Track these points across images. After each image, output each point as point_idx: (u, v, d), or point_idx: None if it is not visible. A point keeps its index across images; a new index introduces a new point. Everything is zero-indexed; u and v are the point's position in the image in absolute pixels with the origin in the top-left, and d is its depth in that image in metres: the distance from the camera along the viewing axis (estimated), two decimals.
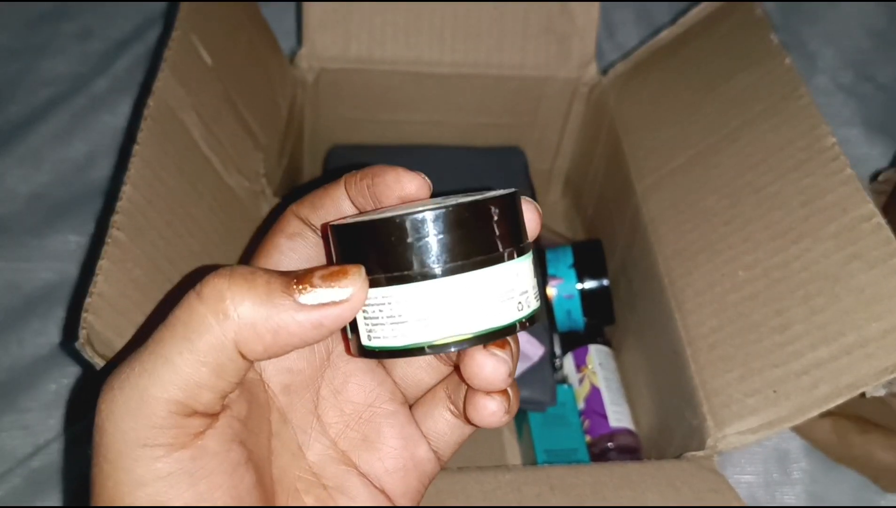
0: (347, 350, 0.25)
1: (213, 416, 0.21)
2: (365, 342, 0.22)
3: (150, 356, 0.21)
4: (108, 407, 0.21)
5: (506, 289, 0.21)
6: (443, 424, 0.26)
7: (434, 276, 0.20)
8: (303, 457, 0.24)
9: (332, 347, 0.25)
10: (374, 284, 0.20)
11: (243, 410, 0.23)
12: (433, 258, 0.20)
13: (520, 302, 0.21)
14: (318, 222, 0.25)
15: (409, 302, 0.20)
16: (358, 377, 0.25)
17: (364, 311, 0.21)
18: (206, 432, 0.21)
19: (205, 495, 0.21)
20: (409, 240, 0.20)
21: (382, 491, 0.25)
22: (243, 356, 0.20)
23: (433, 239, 0.20)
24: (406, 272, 0.20)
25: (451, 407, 0.26)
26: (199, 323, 0.20)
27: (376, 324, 0.21)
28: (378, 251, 0.20)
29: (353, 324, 0.22)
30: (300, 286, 0.20)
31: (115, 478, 0.21)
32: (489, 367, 0.22)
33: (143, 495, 0.20)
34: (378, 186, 0.23)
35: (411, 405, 0.26)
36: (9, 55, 0.60)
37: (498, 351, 0.22)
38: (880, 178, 0.52)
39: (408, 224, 0.20)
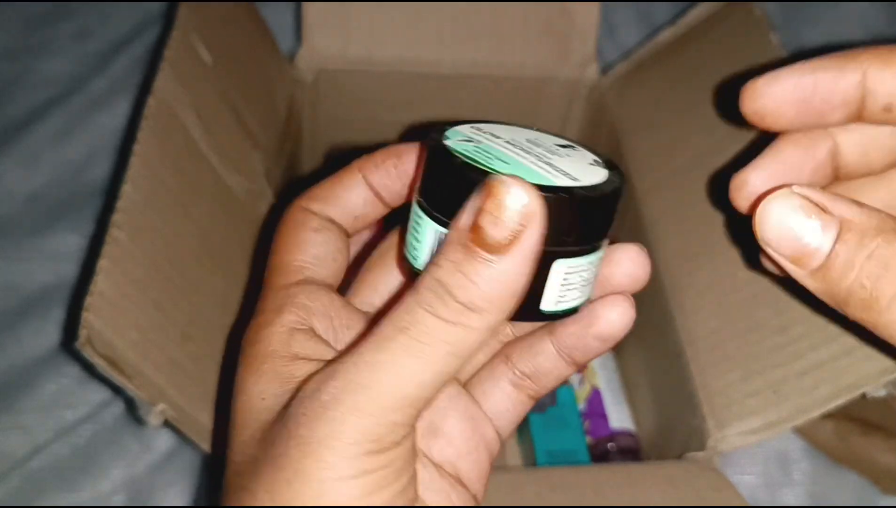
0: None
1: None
2: (549, 307, 0.22)
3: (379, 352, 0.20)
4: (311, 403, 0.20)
5: None
6: (503, 399, 0.25)
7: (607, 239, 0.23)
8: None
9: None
10: (585, 252, 0.22)
11: None
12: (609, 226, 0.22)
13: None
14: (334, 215, 0.25)
15: (596, 265, 0.23)
16: None
17: (565, 278, 0.22)
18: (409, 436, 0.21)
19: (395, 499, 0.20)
20: (610, 210, 0.22)
21: (456, 477, 0.24)
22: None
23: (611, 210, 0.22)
24: (602, 242, 0.22)
25: (514, 376, 0.25)
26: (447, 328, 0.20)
27: (570, 288, 0.22)
28: (594, 220, 0.22)
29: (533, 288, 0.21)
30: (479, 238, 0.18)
31: (308, 475, 0.19)
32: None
33: (345, 490, 0.19)
34: (406, 163, 0.23)
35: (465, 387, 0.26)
36: (7, 55, 0.60)
37: None
38: None
39: (610, 197, 0.21)
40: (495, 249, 0.18)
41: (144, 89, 0.40)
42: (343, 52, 0.49)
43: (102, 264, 0.28)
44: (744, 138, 0.40)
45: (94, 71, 0.59)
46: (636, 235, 0.44)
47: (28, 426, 0.43)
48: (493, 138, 0.23)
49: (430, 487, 0.23)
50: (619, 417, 0.45)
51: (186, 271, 0.33)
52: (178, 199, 0.33)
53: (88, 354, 0.27)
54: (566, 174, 0.21)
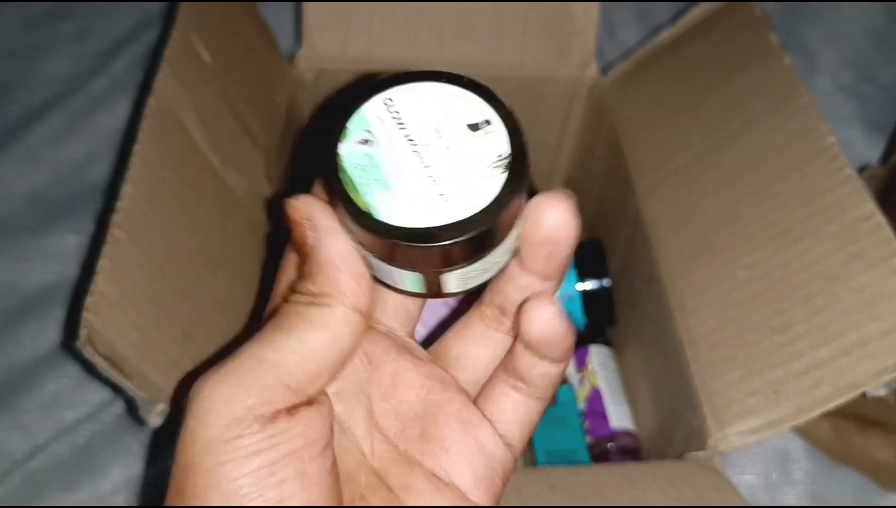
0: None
1: (308, 402, 0.21)
2: (453, 290, 0.23)
3: (268, 333, 0.22)
4: (217, 370, 0.21)
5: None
6: (505, 402, 0.25)
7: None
8: (366, 463, 0.24)
9: (371, 351, 0.25)
10: (472, 261, 0.22)
11: (330, 412, 0.22)
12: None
13: None
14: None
15: (501, 253, 0.22)
16: (404, 376, 0.25)
17: (462, 277, 0.22)
18: (299, 411, 0.21)
19: (285, 493, 0.20)
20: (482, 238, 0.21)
21: (451, 484, 0.24)
22: (354, 310, 0.21)
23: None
24: (492, 249, 0.22)
25: (511, 379, 0.24)
26: (303, 308, 0.22)
27: (469, 279, 0.22)
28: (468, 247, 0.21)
29: (434, 285, 0.22)
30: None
31: (189, 432, 0.20)
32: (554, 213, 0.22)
33: (215, 454, 0.20)
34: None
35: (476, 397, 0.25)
36: (6, 55, 0.60)
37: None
38: (865, 173, 0.52)
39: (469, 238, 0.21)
40: (307, 247, 0.22)
41: (144, 89, 0.40)
42: (343, 52, 0.49)
43: (102, 264, 0.28)
44: (743, 138, 0.40)
45: (94, 71, 0.59)
46: (636, 234, 0.44)
47: (28, 426, 0.43)
48: (396, 129, 0.22)
49: (419, 493, 0.23)
50: (619, 417, 0.45)
51: (186, 271, 0.33)
52: (178, 199, 0.33)
53: (88, 354, 0.27)
54: (443, 196, 0.21)
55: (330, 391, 0.23)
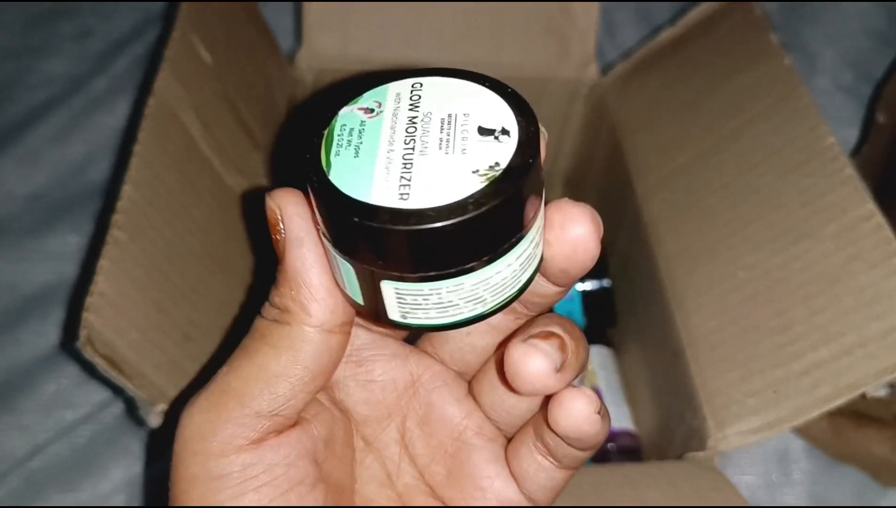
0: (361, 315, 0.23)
1: (287, 424, 0.21)
2: (396, 318, 0.20)
3: (234, 358, 0.21)
4: (191, 405, 0.21)
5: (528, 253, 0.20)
6: (531, 464, 0.23)
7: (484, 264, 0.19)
8: (391, 486, 0.24)
9: (419, 375, 0.24)
10: (421, 279, 0.19)
11: (323, 429, 0.22)
12: (477, 251, 0.19)
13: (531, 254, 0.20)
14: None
15: (459, 291, 0.19)
16: (444, 409, 0.24)
17: (401, 297, 0.19)
18: (269, 440, 0.21)
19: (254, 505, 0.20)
20: (438, 245, 0.18)
21: None
22: (317, 330, 0.20)
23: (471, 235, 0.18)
24: (459, 268, 0.19)
25: (538, 444, 0.23)
26: (266, 325, 0.21)
27: (416, 308, 0.20)
28: (416, 252, 0.18)
29: (371, 295, 0.20)
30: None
31: (175, 474, 0.21)
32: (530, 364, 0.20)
33: (195, 493, 0.20)
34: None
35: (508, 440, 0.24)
36: (6, 55, 0.60)
37: (540, 342, 0.20)
38: None
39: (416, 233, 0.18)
40: (280, 251, 0.21)
41: (144, 89, 0.40)
42: (343, 52, 0.49)
43: (102, 264, 0.28)
44: (743, 138, 0.40)
45: (94, 71, 0.59)
46: (636, 235, 0.44)
47: (28, 426, 0.43)
48: (406, 109, 0.21)
49: None
50: (619, 417, 0.45)
51: (186, 271, 0.33)
52: (178, 199, 0.33)
53: (88, 354, 0.27)
54: (405, 180, 0.19)
55: (362, 410, 0.24)
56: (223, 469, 0.20)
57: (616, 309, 0.48)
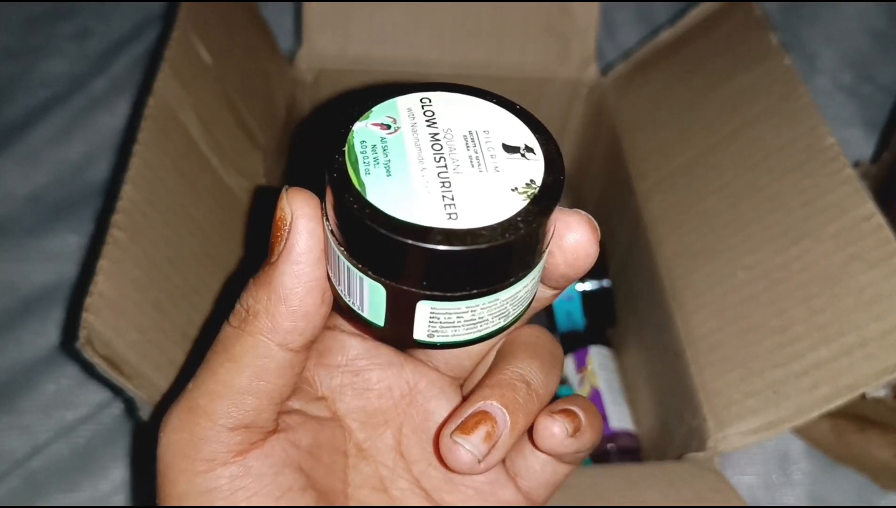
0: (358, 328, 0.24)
1: (264, 433, 0.21)
2: (422, 338, 0.20)
3: (199, 373, 0.21)
4: (165, 423, 0.21)
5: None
6: (533, 460, 0.24)
7: (512, 282, 0.19)
8: (385, 492, 0.24)
9: (415, 383, 0.24)
10: (457, 298, 0.19)
11: (306, 438, 0.22)
12: (511, 268, 0.19)
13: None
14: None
15: (491, 307, 0.20)
16: (441, 416, 0.24)
17: (435, 317, 0.19)
18: (252, 451, 0.21)
19: None
20: (480, 264, 0.18)
21: None
22: (282, 348, 0.20)
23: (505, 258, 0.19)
24: (492, 286, 0.19)
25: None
26: (229, 334, 0.21)
27: (446, 327, 0.20)
28: (455, 271, 0.18)
29: (399, 317, 0.20)
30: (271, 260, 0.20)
31: (164, 492, 0.21)
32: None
33: None
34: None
35: None
36: (6, 55, 0.60)
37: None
38: (857, 170, 0.52)
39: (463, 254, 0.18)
40: (272, 256, 0.20)
41: (144, 89, 0.40)
42: (343, 52, 0.49)
43: (102, 264, 0.28)
44: (743, 138, 0.40)
45: (94, 71, 0.59)
46: (636, 235, 0.44)
47: (28, 426, 0.43)
48: (424, 125, 0.20)
49: None
50: (619, 417, 0.45)
51: (186, 271, 0.33)
52: (178, 199, 0.33)
53: (88, 354, 0.27)
54: (449, 200, 0.18)
55: (356, 416, 0.24)
56: (211, 484, 0.20)
57: (616, 309, 0.48)
